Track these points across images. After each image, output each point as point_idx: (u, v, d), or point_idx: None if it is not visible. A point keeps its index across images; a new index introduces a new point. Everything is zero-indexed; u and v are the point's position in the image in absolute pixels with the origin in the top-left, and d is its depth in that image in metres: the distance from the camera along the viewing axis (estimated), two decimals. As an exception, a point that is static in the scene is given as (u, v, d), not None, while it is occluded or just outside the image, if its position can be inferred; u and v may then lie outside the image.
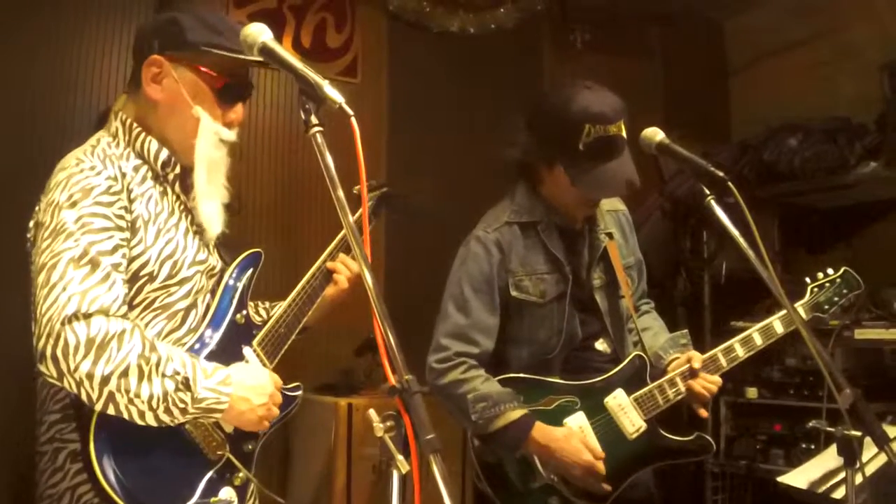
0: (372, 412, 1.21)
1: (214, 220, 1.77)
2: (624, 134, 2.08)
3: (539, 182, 2.26)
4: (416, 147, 3.91)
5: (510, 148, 2.26)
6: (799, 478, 2.12)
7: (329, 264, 2.06)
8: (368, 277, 1.25)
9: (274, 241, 3.50)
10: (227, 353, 1.77)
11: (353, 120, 1.28)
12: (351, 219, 1.28)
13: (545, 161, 2.19)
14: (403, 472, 1.15)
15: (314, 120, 1.32)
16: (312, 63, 3.40)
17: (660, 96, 4.76)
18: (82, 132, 2.98)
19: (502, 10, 4.10)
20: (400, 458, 1.18)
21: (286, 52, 1.41)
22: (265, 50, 1.41)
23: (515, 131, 2.25)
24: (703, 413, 2.24)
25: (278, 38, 1.47)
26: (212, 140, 1.72)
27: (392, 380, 1.15)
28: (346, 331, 3.15)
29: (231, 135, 1.76)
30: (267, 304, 2.07)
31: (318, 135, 1.31)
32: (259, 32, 1.42)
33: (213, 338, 1.76)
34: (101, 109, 2.95)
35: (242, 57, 1.54)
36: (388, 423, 1.20)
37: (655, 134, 1.96)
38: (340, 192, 1.28)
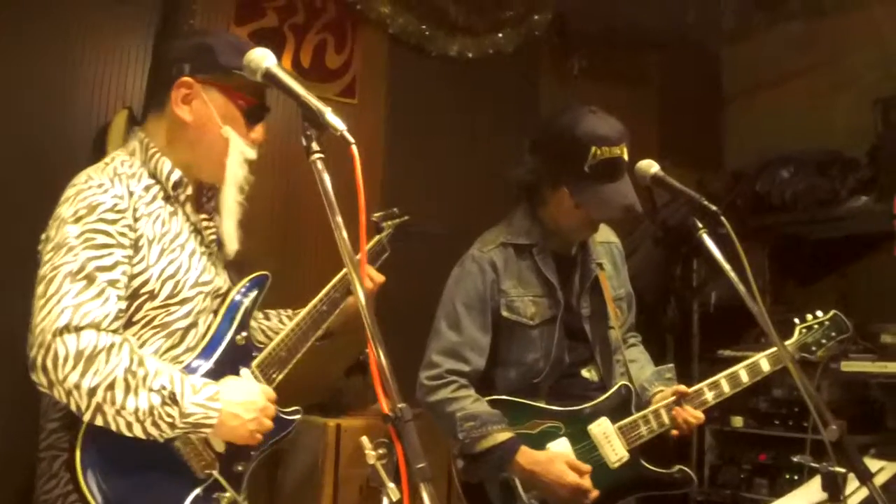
0: (364, 439, 1.22)
1: (233, 237, 1.81)
2: (626, 157, 2.12)
3: (541, 204, 2.28)
4: (413, 169, 3.92)
5: (515, 169, 2.29)
6: (783, 509, 2.13)
7: None
8: (363, 300, 1.25)
9: (270, 253, 3.48)
10: (225, 372, 1.77)
11: (354, 148, 1.30)
12: (347, 242, 1.28)
13: (549, 182, 2.22)
14: (394, 499, 1.15)
15: (315, 147, 1.33)
16: (311, 83, 3.42)
17: (655, 123, 4.80)
18: (82, 135, 3.03)
19: (501, 35, 4.14)
20: (391, 485, 1.18)
21: (290, 78, 1.43)
22: (269, 75, 1.44)
23: (520, 153, 2.28)
24: (676, 433, 2.24)
25: (278, 57, 1.49)
26: (239, 159, 1.78)
27: (385, 407, 1.16)
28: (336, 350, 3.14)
29: (253, 154, 1.81)
30: (289, 312, 2.07)
31: (318, 161, 1.33)
32: (263, 57, 1.44)
33: (212, 357, 1.77)
34: (100, 123, 3.03)
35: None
36: (381, 451, 1.20)
37: (650, 166, 1.98)
38: (339, 218, 1.29)
